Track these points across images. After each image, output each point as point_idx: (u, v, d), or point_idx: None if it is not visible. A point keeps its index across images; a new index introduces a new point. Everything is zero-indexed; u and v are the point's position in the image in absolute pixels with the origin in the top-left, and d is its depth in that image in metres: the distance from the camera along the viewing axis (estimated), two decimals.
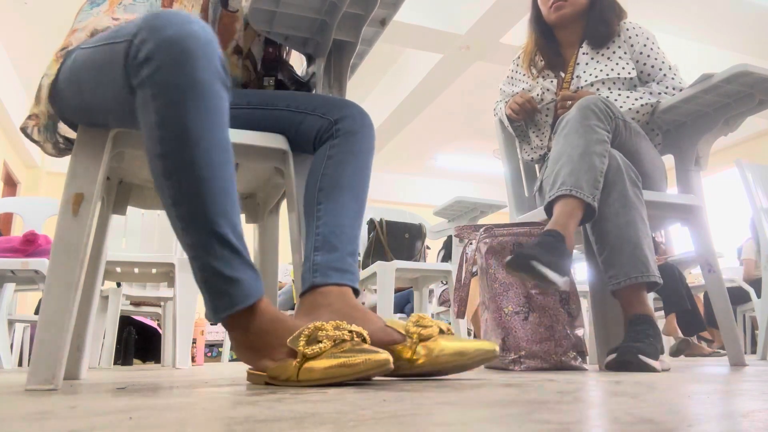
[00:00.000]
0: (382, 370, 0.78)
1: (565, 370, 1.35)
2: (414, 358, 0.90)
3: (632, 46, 1.74)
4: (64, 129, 1.07)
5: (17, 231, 5.38)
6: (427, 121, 6.66)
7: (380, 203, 6.83)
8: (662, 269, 2.03)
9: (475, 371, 1.26)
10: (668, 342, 3.66)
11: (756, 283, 3.31)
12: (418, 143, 7.58)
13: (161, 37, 0.81)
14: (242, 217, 1.47)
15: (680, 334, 3.56)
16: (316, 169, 1.06)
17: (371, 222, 2.87)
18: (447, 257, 4.24)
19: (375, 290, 4.04)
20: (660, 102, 1.66)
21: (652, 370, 1.19)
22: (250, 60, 1.30)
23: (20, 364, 3.72)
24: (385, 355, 0.78)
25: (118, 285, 2.99)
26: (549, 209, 1.37)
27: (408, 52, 5.65)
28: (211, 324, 1.68)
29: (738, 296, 3.84)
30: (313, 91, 1.33)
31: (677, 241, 4.10)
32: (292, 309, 2.43)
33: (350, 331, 0.81)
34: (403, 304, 4.35)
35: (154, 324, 3.78)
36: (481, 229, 1.49)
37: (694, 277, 3.99)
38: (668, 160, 1.74)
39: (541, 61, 1.86)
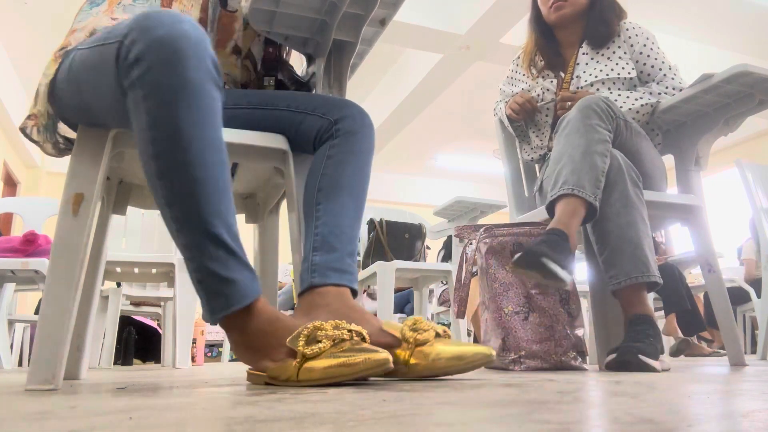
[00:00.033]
0: (381, 370, 0.78)
1: (565, 370, 1.35)
2: (411, 362, 0.90)
3: (632, 46, 1.74)
4: (64, 129, 1.07)
5: (17, 231, 5.38)
6: (427, 121, 6.66)
7: (380, 203, 6.84)
8: (662, 269, 2.03)
9: (475, 371, 1.26)
10: (668, 342, 3.66)
11: (756, 283, 3.31)
12: (418, 143, 7.58)
13: (151, 38, 0.80)
14: (242, 217, 1.47)
15: (680, 334, 3.56)
16: (316, 169, 1.05)
17: (371, 222, 2.87)
18: (447, 257, 4.24)
19: (373, 295, 4.05)
20: (660, 102, 1.66)
21: (652, 370, 1.18)
22: (250, 60, 1.30)
23: (20, 364, 3.72)
24: (384, 354, 0.78)
25: (118, 285, 2.99)
26: (551, 209, 1.37)
27: (408, 52, 5.65)
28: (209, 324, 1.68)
29: (738, 296, 3.84)
30: (313, 91, 1.33)
31: (677, 241, 4.10)
32: (292, 309, 2.42)
33: (349, 331, 0.81)
34: (403, 304, 4.35)
35: (154, 324, 3.78)
36: (481, 229, 1.49)
37: (694, 277, 3.99)
38: (668, 160, 1.74)
39: (541, 61, 1.86)
